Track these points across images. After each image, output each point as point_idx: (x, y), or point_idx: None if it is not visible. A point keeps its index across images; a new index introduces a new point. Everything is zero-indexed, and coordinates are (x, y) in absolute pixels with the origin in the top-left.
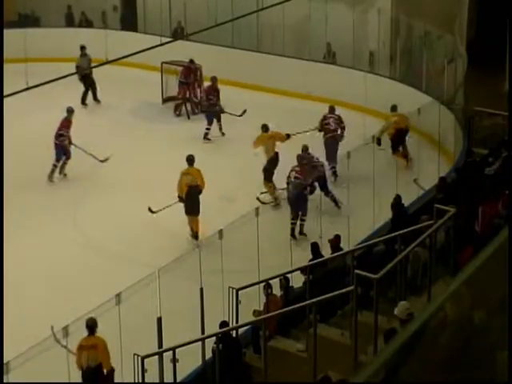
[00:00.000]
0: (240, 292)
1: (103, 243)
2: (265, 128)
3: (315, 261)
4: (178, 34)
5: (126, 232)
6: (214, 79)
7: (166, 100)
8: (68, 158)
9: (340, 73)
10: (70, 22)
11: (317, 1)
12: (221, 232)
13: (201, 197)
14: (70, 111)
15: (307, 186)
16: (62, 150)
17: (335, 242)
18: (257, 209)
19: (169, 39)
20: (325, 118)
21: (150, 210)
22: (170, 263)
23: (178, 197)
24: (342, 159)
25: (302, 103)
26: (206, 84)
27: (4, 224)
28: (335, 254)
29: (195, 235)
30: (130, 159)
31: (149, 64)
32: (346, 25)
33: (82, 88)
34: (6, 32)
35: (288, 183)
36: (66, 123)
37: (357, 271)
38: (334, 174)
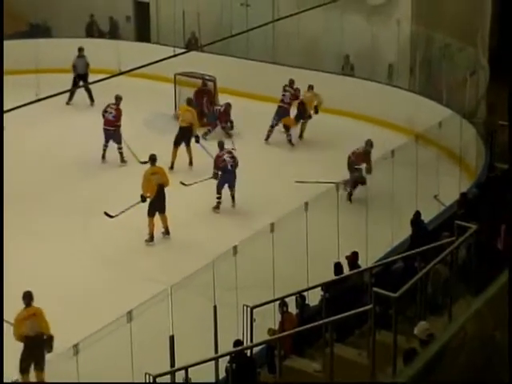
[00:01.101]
0: (255, 310)
1: (114, 256)
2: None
3: (332, 278)
4: (192, 44)
5: (138, 246)
6: (227, 106)
7: None
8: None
9: (358, 85)
10: (90, 32)
11: (334, 12)
12: (235, 248)
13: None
14: (119, 98)
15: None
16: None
17: (353, 259)
18: (272, 224)
19: (182, 50)
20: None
21: (106, 214)
22: (182, 279)
23: (141, 196)
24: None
25: (318, 116)
26: (221, 103)
27: (13, 235)
28: (353, 272)
29: (167, 231)
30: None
31: (162, 75)
32: (363, 36)
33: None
34: (17, 43)
35: (220, 167)
36: (118, 112)
37: (375, 289)
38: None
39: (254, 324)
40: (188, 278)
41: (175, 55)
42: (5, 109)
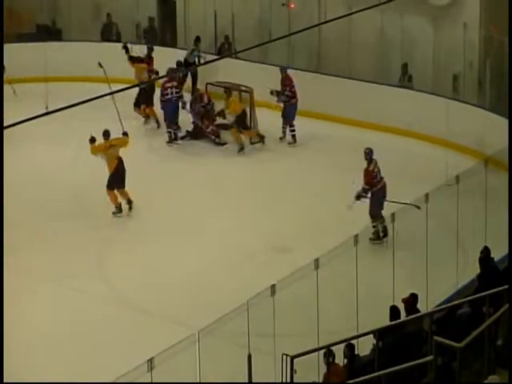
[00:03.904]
0: (295, 360)
1: (133, 297)
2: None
3: (386, 324)
4: (225, 50)
5: (160, 284)
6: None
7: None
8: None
9: (418, 99)
10: (108, 35)
11: (391, 13)
12: (273, 288)
13: (249, 247)
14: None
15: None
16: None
17: (411, 303)
18: (316, 260)
19: (214, 57)
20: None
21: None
22: (211, 324)
23: (108, 182)
24: (419, 202)
25: (371, 134)
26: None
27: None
28: (410, 317)
29: (130, 204)
30: (164, 199)
31: (190, 85)
32: (424, 42)
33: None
34: (24, 46)
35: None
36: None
37: (436, 338)
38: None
39: (294, 376)
40: (218, 321)
41: (206, 62)
42: (10, 122)
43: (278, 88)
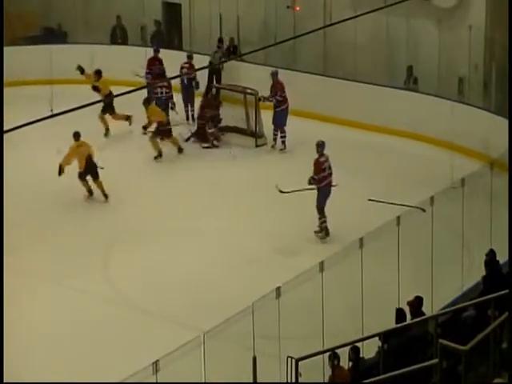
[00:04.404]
0: (300, 363)
1: (133, 298)
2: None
3: (391, 327)
4: (231, 53)
5: (160, 285)
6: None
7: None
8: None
9: (423, 101)
10: (115, 37)
11: (396, 16)
12: (278, 290)
13: (251, 249)
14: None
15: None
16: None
17: (416, 305)
18: (321, 263)
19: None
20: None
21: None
22: (216, 326)
23: (79, 173)
24: (424, 205)
25: (376, 137)
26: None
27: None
28: (415, 320)
29: (105, 195)
30: (164, 199)
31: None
32: (429, 44)
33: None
34: (29, 48)
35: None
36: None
37: (442, 341)
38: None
39: (299, 379)
40: (223, 324)
41: (211, 65)
42: (15, 125)
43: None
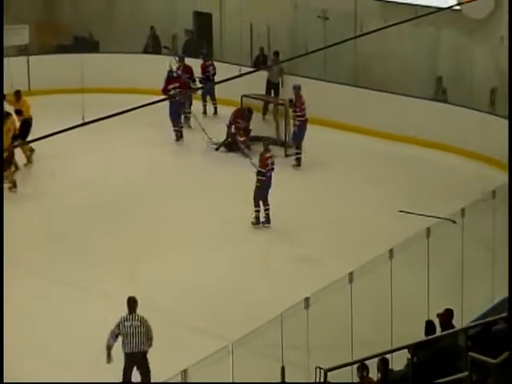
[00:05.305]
0: (329, 373)
1: (161, 305)
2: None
3: (421, 339)
4: (260, 62)
5: (186, 294)
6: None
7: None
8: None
9: (453, 113)
10: (151, 47)
11: (427, 27)
12: (307, 300)
13: (282, 260)
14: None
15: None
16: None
17: (446, 318)
18: (351, 274)
19: (250, 69)
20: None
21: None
22: (245, 336)
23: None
24: (454, 216)
25: (406, 148)
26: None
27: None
28: (445, 332)
29: (29, 160)
30: (192, 207)
31: (226, 98)
32: (460, 55)
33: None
34: (61, 57)
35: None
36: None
37: (471, 354)
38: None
39: None
40: (252, 333)
41: (241, 75)
42: (46, 133)
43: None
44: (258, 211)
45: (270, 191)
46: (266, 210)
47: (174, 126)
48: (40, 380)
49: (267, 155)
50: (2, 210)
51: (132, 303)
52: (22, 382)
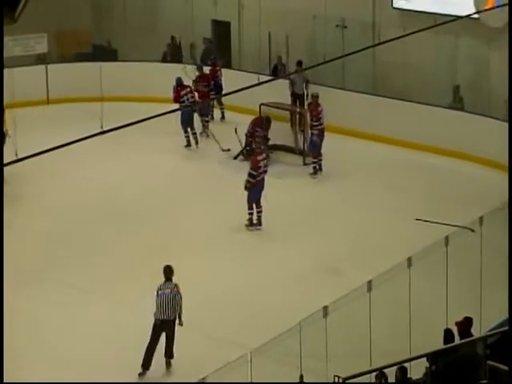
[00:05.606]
0: (347, 381)
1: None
2: None
3: (439, 348)
4: (279, 71)
5: (207, 302)
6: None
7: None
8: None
9: (470, 121)
10: (169, 56)
11: (445, 35)
12: (325, 309)
13: (300, 269)
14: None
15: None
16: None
17: (464, 326)
18: (369, 282)
19: (268, 77)
20: None
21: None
22: (264, 344)
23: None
24: (473, 225)
25: (424, 156)
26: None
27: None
28: (464, 341)
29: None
30: (213, 216)
31: (243, 106)
32: (478, 64)
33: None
34: (80, 65)
35: None
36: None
37: (490, 362)
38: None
39: None
40: (271, 342)
41: (259, 83)
42: (64, 142)
43: None
44: (251, 214)
45: (263, 193)
46: (259, 212)
47: (185, 133)
48: (40, 380)
49: (259, 158)
50: (2, 210)
51: (167, 272)
52: (22, 381)
